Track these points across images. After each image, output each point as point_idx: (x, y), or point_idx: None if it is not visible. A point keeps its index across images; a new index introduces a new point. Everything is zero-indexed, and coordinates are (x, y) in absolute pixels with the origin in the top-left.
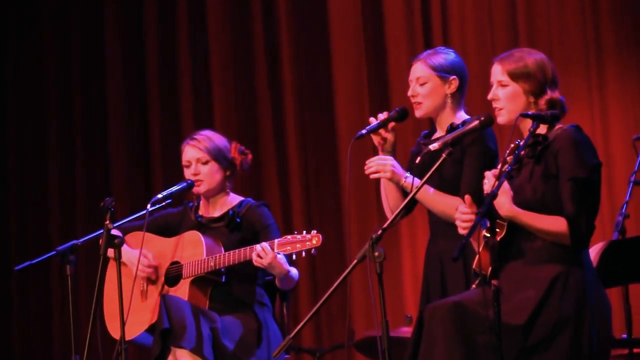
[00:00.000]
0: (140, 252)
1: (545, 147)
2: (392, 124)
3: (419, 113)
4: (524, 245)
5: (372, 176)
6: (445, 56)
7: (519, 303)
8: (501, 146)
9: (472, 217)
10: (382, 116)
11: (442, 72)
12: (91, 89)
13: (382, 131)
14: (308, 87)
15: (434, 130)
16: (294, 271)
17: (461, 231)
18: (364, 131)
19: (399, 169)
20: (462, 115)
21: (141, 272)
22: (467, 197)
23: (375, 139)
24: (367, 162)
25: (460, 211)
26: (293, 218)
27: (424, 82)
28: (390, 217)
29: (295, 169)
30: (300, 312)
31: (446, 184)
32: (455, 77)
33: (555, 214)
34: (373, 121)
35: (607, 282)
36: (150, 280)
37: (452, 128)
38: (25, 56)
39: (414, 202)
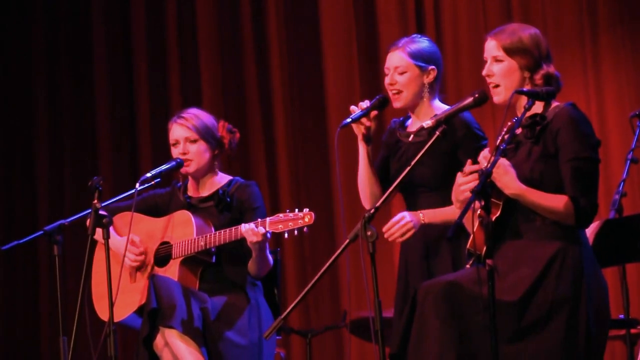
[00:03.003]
0: (127, 239)
1: (543, 127)
2: (374, 113)
3: (398, 104)
4: (523, 225)
5: (399, 240)
6: (424, 45)
7: (513, 281)
8: (496, 124)
9: (475, 176)
10: (364, 104)
11: (421, 61)
12: (78, 69)
13: (364, 120)
14: (297, 66)
15: (407, 118)
16: (270, 257)
17: (464, 195)
18: (348, 120)
19: (412, 216)
20: (439, 104)
21: (132, 261)
22: (469, 160)
23: (357, 129)
24: (384, 230)
25: (465, 171)
26: (280, 197)
27: (403, 72)
28: (367, 204)
29: (283, 148)
30: (288, 293)
31: (427, 171)
32: (433, 67)
33: (553, 193)
34: (355, 109)
35: (601, 261)
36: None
37: None
38: (13, 38)
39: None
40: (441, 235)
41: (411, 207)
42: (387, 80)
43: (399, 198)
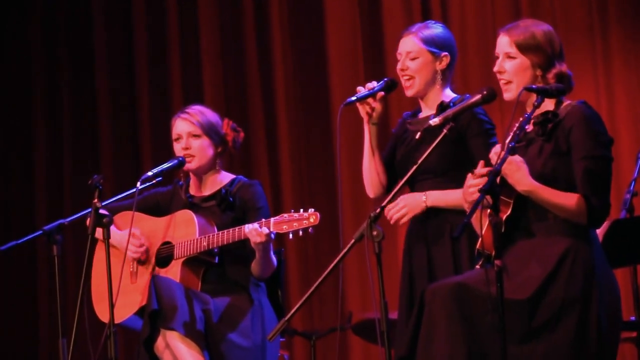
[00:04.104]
0: (130, 232)
1: (555, 125)
2: (380, 94)
3: (410, 92)
4: (534, 223)
5: (401, 222)
6: (437, 31)
7: (523, 280)
8: (504, 121)
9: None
10: (371, 85)
11: (434, 47)
12: (79, 68)
13: (370, 100)
14: (300, 59)
15: (418, 110)
16: (273, 258)
17: (472, 196)
18: (353, 98)
19: (411, 198)
20: (450, 93)
21: (133, 253)
22: (480, 162)
23: (363, 109)
24: (385, 213)
25: (476, 173)
26: (283, 196)
27: (415, 57)
28: (372, 192)
29: (285, 146)
30: (291, 294)
31: (433, 159)
32: (446, 53)
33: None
34: (361, 90)
35: (611, 262)
36: (140, 261)
37: (442, 107)
38: (12, 37)
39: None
40: (443, 233)
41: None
42: (398, 65)
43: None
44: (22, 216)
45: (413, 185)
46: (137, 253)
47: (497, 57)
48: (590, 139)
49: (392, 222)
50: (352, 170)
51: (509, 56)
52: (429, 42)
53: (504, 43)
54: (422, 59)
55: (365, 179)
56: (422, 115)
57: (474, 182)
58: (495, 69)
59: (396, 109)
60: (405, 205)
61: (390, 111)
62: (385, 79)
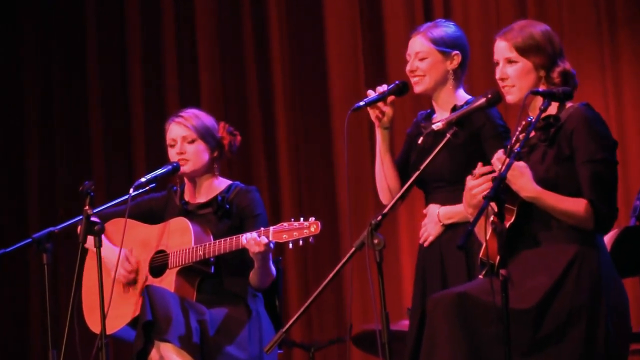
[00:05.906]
0: (119, 253)
1: (557, 129)
2: (391, 98)
3: (418, 88)
4: (538, 231)
5: (426, 244)
6: (447, 29)
7: (528, 290)
8: (509, 123)
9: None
10: (382, 89)
11: (444, 46)
12: (71, 66)
13: (380, 104)
14: (299, 61)
15: (432, 111)
16: (273, 268)
17: (476, 199)
18: (361, 103)
19: (430, 221)
20: (463, 94)
21: (122, 277)
22: (479, 163)
23: (373, 113)
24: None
25: (475, 174)
26: (282, 202)
27: (424, 57)
28: (384, 199)
29: (284, 151)
30: (290, 303)
31: (445, 166)
32: (457, 52)
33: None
34: (371, 93)
35: (621, 271)
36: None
37: (455, 110)
38: (4, 39)
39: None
40: (456, 242)
41: (431, 203)
42: (408, 67)
43: (407, 202)
44: (14, 223)
45: (428, 195)
46: (125, 278)
47: (497, 64)
48: (593, 142)
49: (426, 244)
50: (353, 177)
51: (509, 61)
52: (438, 41)
53: (502, 48)
54: (431, 59)
55: (377, 184)
56: (435, 117)
57: (475, 183)
58: (497, 76)
59: (399, 112)
60: (426, 230)
61: (405, 110)
62: (397, 82)
